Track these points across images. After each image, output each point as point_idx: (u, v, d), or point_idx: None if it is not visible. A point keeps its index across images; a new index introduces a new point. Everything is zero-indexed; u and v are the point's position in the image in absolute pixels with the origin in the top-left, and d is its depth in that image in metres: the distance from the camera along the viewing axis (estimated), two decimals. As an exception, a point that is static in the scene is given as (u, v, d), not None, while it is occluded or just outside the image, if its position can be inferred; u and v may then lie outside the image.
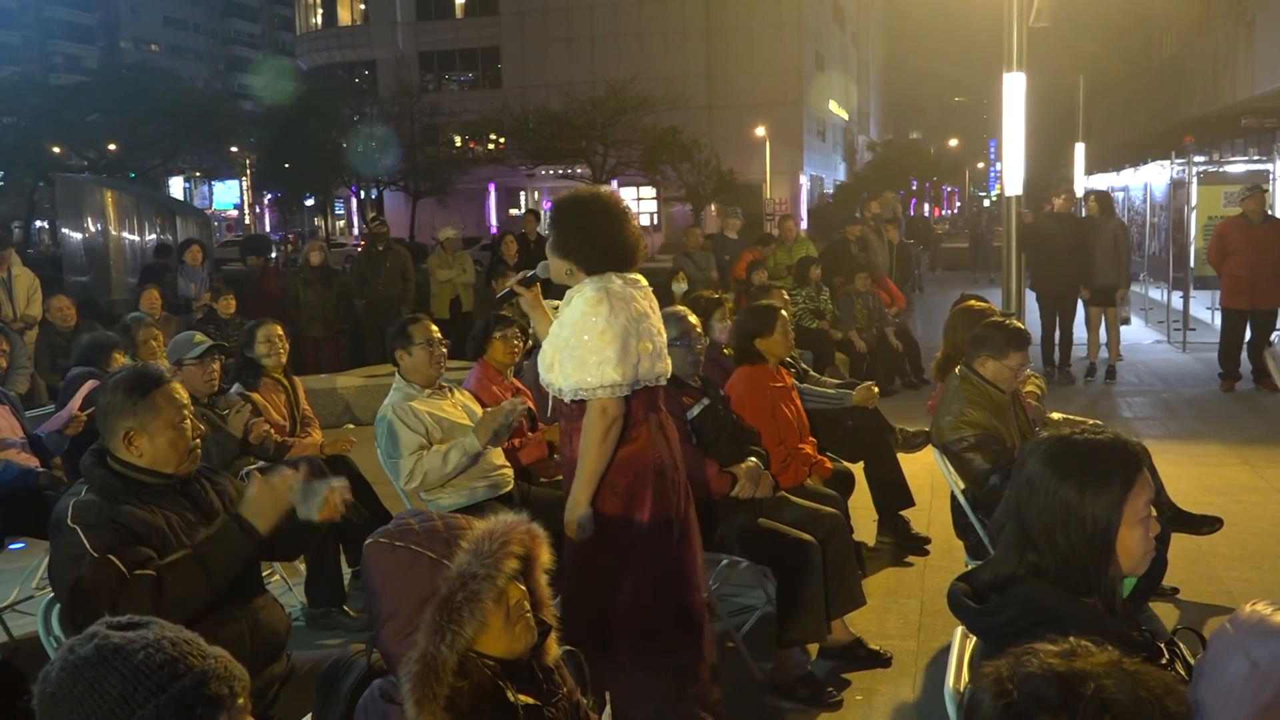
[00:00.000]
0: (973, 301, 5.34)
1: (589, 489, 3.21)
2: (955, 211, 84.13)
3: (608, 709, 2.35)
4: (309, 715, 2.16)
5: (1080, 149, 24.02)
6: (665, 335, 3.40)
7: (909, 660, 4.32)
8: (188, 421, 2.88)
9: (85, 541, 2.63)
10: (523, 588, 1.95)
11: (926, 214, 57.75)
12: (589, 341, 3.15)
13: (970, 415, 4.11)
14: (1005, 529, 2.05)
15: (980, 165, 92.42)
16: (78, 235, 16.83)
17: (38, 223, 45.27)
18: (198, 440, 2.93)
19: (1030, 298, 10.20)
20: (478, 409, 4.71)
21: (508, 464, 4.70)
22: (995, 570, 2.05)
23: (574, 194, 3.38)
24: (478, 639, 1.87)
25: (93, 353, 5.86)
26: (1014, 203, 8.37)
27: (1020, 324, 4.59)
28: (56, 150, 39.94)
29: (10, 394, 5.24)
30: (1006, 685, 1.22)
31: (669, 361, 3.39)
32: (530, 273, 3.52)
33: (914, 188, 58.51)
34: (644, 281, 3.36)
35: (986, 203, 71.41)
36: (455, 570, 1.85)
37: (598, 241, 3.24)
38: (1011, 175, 8.33)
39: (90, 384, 5.07)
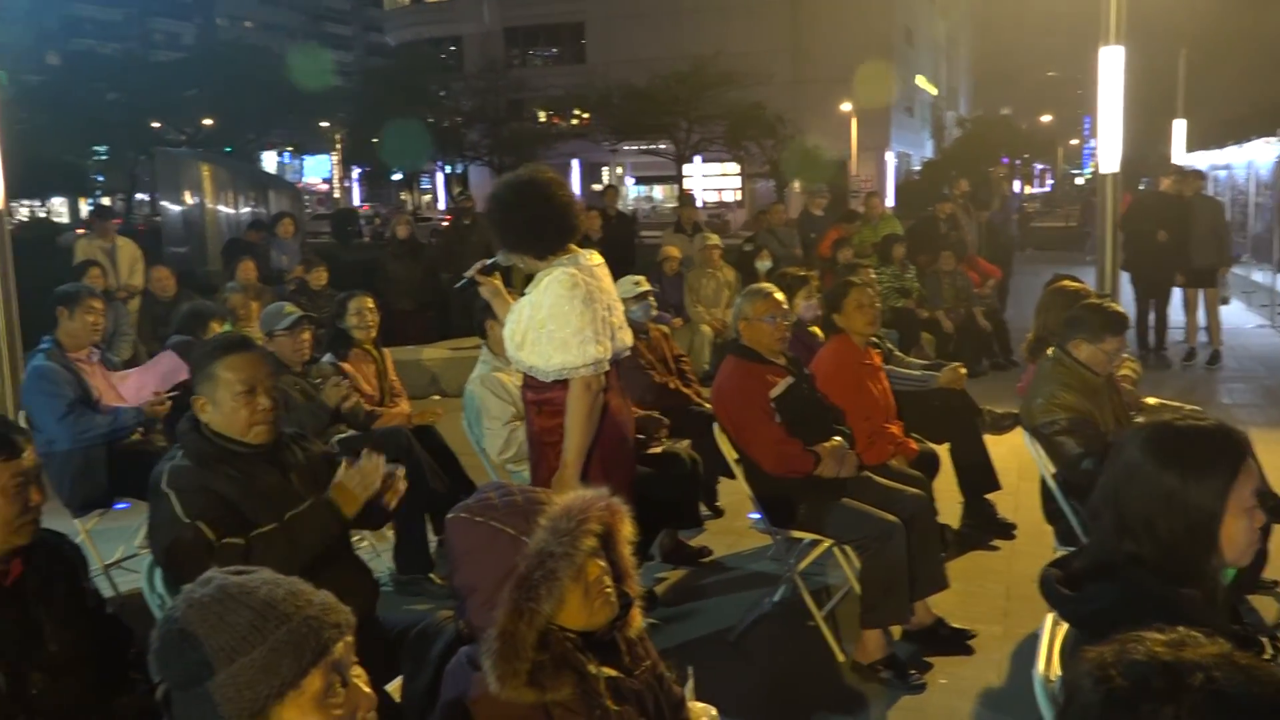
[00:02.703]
0: (1066, 282, 5.22)
1: (579, 461, 3.41)
2: (1048, 189, 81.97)
3: (690, 680, 2.36)
4: (398, 678, 2.21)
5: (1180, 125, 23.17)
6: (623, 307, 3.66)
7: (994, 645, 4.26)
8: (259, 394, 2.89)
9: (178, 507, 2.71)
10: (602, 564, 1.96)
11: (1017, 191, 56.34)
12: (570, 323, 3.31)
13: (1063, 398, 4.02)
14: (1101, 515, 2.00)
15: (1074, 142, 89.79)
16: (176, 208, 17.33)
17: (139, 195, 46.61)
18: (267, 414, 2.92)
19: (1125, 278, 9.92)
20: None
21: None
22: (1090, 557, 2.00)
23: (496, 192, 3.51)
24: (556, 615, 1.89)
25: (191, 321, 6.01)
26: (1110, 181, 8.11)
27: (1118, 307, 4.47)
28: (156, 125, 41.05)
29: (115, 360, 5.42)
30: (1110, 671, 1.19)
31: (629, 331, 3.63)
32: (489, 261, 3.67)
33: (1004, 164, 57.09)
34: (599, 258, 3.56)
35: (1080, 180, 69.42)
36: (533, 548, 1.86)
37: (533, 230, 3.40)
38: (1107, 152, 8.08)
39: (168, 359, 5.16)
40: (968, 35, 79.41)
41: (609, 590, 1.96)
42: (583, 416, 3.38)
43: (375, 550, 5.22)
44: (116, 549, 5.24)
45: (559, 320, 3.33)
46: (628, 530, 2.03)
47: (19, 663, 2.30)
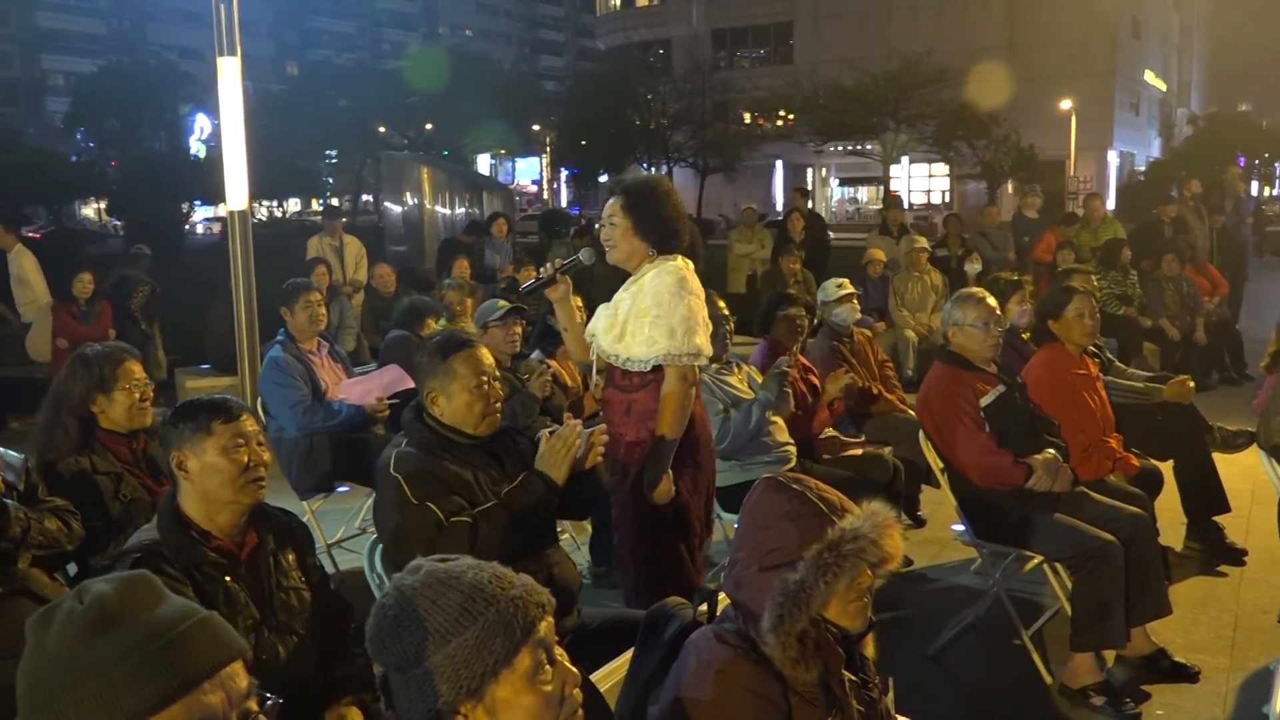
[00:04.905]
0: (1314, 291, 4.82)
1: (669, 452, 3.37)
2: (1289, 191, 75.77)
3: (891, 693, 2.34)
4: (603, 668, 2.26)
5: None
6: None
7: (1219, 678, 3.98)
8: (487, 386, 3.01)
9: (406, 489, 2.86)
10: (871, 576, 1.99)
11: (1255, 194, 52.29)
12: (678, 310, 3.34)
13: (1306, 417, 3.72)
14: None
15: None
16: (397, 208, 18.27)
17: (364, 196, 49.41)
18: (497, 404, 3.06)
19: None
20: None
21: (791, 441, 4.72)
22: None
23: (645, 180, 3.59)
24: (839, 596, 1.94)
25: (408, 317, 6.33)
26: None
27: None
28: (382, 130, 43.44)
29: (341, 351, 5.76)
30: None
31: (710, 345, 3.59)
32: (572, 259, 3.68)
33: (1240, 165, 53.04)
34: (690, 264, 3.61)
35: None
36: (847, 524, 1.93)
37: (670, 225, 3.47)
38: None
39: (393, 372, 5.42)
40: (1203, 26, 74.32)
41: (867, 603, 2.02)
42: (677, 406, 3.34)
43: (576, 544, 5.35)
44: (338, 529, 5.58)
45: (666, 307, 3.35)
46: (892, 567, 2.04)
47: (254, 631, 2.48)
